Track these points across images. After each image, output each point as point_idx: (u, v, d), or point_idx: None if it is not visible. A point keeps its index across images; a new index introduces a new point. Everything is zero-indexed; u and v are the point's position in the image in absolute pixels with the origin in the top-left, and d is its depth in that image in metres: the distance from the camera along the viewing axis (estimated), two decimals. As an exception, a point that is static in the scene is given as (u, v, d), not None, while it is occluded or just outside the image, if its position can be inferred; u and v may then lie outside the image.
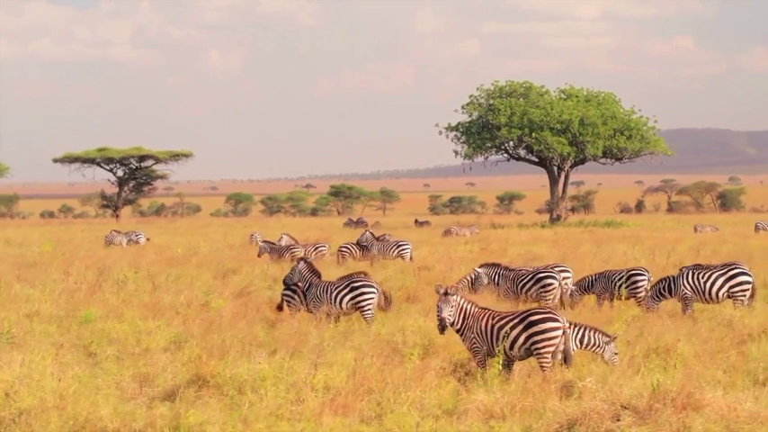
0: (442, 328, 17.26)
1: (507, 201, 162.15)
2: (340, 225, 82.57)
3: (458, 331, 17.32)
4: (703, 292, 24.00)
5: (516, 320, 16.89)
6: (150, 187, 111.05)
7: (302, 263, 24.25)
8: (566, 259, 40.99)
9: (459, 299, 17.35)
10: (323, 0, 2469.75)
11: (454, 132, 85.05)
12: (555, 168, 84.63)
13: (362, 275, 24.34)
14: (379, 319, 22.99)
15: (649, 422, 13.56)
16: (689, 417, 13.64)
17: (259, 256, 42.48)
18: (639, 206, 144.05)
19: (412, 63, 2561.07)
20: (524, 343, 16.78)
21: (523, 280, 25.69)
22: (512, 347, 16.82)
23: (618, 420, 13.63)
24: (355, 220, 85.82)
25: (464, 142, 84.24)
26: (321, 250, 42.77)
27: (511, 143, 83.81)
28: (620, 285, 25.61)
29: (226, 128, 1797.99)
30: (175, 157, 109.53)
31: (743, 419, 13.70)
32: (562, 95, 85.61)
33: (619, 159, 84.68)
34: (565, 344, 16.79)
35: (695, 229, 66.68)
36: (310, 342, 19.17)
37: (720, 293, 23.99)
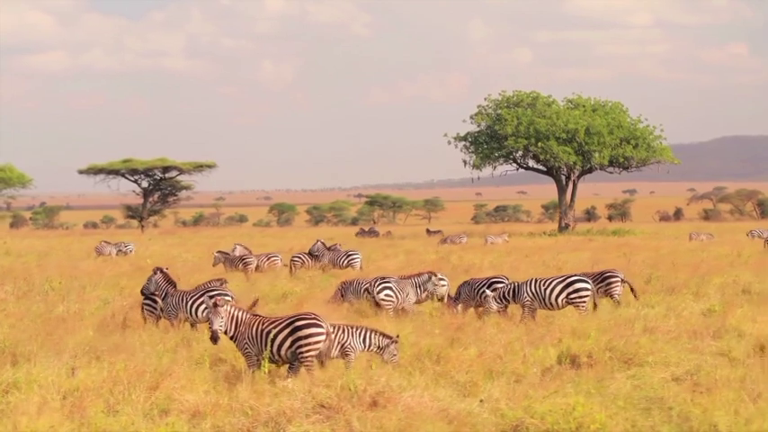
0: (215, 339, 18.16)
1: (552, 209, 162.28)
2: (353, 235, 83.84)
3: (232, 338, 18.25)
4: (543, 299, 24.94)
5: (283, 326, 17.96)
6: (175, 198, 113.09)
7: (158, 273, 25.25)
8: (515, 267, 41.88)
9: (230, 308, 18.32)
10: (375, 10, 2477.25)
11: (463, 142, 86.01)
12: (563, 178, 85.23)
13: (218, 284, 25.50)
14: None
15: (332, 420, 14.63)
16: (375, 414, 14.68)
17: (214, 265, 43.80)
18: (678, 214, 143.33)
19: (465, 72, 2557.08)
20: (290, 347, 17.84)
21: (363, 287, 27.11)
22: (278, 351, 17.89)
23: (306, 418, 14.71)
24: (367, 229, 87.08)
25: (473, 152, 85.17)
26: (274, 260, 43.90)
27: (519, 153, 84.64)
28: (482, 293, 26.57)
29: (280, 138, 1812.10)
30: (199, 167, 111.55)
31: (427, 416, 14.67)
32: (569, 105, 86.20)
33: (626, 168, 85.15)
34: (325, 348, 17.92)
35: (690, 237, 66.92)
36: (143, 349, 20.39)
37: (559, 300, 24.91)
